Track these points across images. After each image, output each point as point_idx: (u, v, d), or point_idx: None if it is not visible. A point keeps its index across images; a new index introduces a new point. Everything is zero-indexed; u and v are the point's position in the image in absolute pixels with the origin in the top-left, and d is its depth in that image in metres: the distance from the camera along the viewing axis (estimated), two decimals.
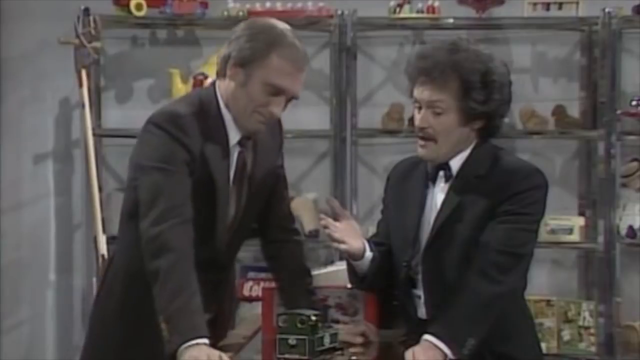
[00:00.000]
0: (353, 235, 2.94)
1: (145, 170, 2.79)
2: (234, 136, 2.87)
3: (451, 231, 2.86)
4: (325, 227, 2.91)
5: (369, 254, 2.97)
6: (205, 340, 2.60)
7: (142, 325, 2.82)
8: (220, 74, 2.88)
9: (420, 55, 2.89)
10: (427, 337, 2.76)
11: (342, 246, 2.92)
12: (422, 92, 2.86)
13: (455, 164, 2.92)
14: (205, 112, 2.84)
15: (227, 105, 2.86)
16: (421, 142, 2.89)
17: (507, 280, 2.80)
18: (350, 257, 2.96)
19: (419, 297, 2.92)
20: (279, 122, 3.02)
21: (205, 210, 2.81)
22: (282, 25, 2.88)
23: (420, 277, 2.91)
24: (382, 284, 3.00)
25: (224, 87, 2.87)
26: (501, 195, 2.84)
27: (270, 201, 3.03)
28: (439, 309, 2.83)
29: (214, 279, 2.89)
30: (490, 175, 2.88)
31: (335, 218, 2.94)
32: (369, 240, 3.01)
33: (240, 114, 2.85)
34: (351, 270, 3.01)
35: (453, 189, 2.89)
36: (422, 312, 2.92)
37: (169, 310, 2.62)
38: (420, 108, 2.89)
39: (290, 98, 2.86)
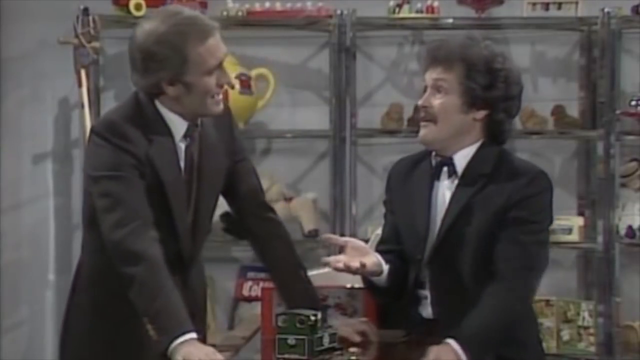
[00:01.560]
0: (364, 255, 2.92)
1: (96, 180, 2.80)
2: (178, 132, 2.87)
3: (460, 232, 2.87)
4: (338, 269, 2.87)
5: (385, 267, 2.96)
6: (193, 335, 2.61)
7: (114, 332, 2.83)
8: (154, 94, 2.84)
9: (432, 43, 3.01)
10: (451, 342, 2.74)
11: (364, 270, 2.89)
12: (430, 74, 2.93)
13: (460, 161, 2.92)
14: (142, 115, 2.83)
15: (165, 106, 2.84)
16: (422, 123, 2.93)
17: (531, 297, 2.91)
18: (372, 275, 2.95)
19: (425, 297, 2.92)
20: (229, 114, 3.00)
21: (163, 212, 2.81)
22: (162, 16, 2.83)
23: (427, 277, 2.91)
24: (402, 289, 2.99)
25: (164, 100, 2.84)
26: (510, 198, 2.86)
27: (240, 195, 3.02)
28: (446, 308, 2.84)
29: (181, 279, 2.86)
30: (495, 175, 2.90)
31: (340, 250, 2.93)
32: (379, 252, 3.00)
33: (197, 109, 2.84)
34: (372, 287, 2.99)
35: (460, 188, 2.90)
36: (427, 312, 2.92)
37: (151, 311, 2.63)
38: (426, 91, 2.94)
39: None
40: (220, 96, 2.86)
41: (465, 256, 2.85)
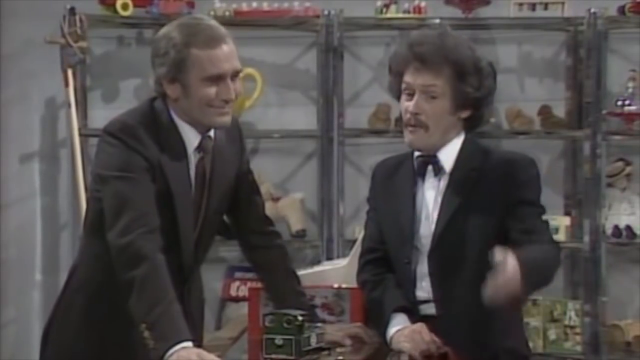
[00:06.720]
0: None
1: (106, 180, 2.77)
2: (191, 143, 2.85)
3: (459, 228, 2.86)
4: None
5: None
6: (190, 344, 2.60)
7: (108, 338, 2.82)
8: (162, 95, 2.85)
9: (413, 42, 2.90)
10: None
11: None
12: (416, 78, 2.87)
13: (445, 157, 2.92)
14: (157, 122, 2.83)
15: (178, 115, 2.84)
16: (410, 129, 2.89)
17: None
18: None
19: (421, 296, 2.91)
20: (238, 128, 3.00)
21: (168, 221, 2.79)
22: (181, 19, 2.87)
23: (427, 276, 2.90)
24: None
25: (171, 104, 2.85)
26: (508, 184, 2.86)
27: (241, 208, 3.02)
28: (449, 304, 2.84)
29: (178, 292, 2.79)
30: (486, 168, 2.90)
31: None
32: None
33: (197, 116, 2.82)
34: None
35: (452, 186, 2.89)
36: (422, 310, 2.91)
37: (150, 317, 2.60)
38: (411, 95, 2.89)
39: (234, 75, 2.82)
40: (226, 109, 2.82)
41: (468, 251, 2.84)
